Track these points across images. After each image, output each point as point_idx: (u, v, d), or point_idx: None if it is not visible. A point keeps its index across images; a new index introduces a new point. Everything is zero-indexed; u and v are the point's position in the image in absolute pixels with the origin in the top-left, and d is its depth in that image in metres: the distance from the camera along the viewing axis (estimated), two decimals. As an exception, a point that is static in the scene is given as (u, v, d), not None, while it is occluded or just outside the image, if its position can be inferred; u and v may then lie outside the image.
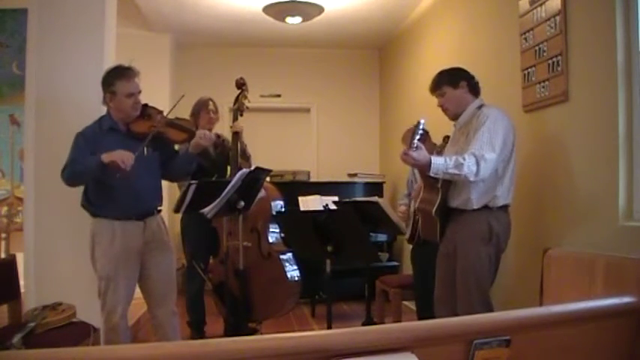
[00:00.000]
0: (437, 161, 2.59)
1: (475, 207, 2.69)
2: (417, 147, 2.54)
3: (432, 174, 2.63)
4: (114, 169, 2.60)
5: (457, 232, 2.79)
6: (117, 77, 2.78)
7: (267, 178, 3.73)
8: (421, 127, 2.54)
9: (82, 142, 2.77)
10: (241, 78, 3.90)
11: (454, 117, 2.89)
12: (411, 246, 3.88)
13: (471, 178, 2.59)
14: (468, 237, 2.72)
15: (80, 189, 2.85)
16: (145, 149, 2.80)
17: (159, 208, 2.98)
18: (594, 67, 2.61)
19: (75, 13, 3.34)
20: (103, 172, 2.65)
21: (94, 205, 2.81)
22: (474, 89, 2.85)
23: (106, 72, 2.84)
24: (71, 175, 2.71)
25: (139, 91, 2.84)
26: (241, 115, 3.86)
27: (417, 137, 2.53)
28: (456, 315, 2.63)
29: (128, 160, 2.61)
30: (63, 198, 3.21)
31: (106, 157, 2.62)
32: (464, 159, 2.57)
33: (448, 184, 2.80)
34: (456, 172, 2.58)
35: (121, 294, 2.76)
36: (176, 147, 3.23)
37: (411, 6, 5.18)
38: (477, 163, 2.57)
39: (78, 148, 2.75)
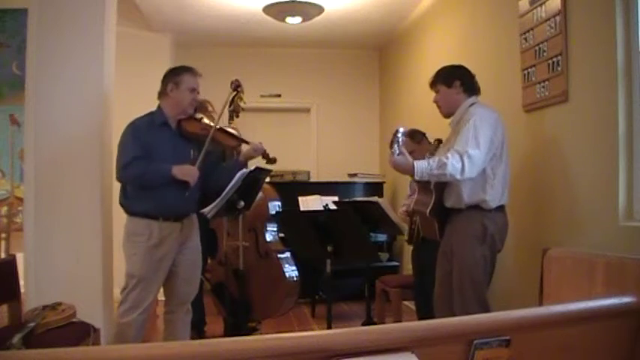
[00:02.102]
0: (420, 165, 2.61)
1: (468, 203, 2.70)
2: (399, 153, 2.59)
3: (417, 178, 2.66)
4: (180, 184, 2.70)
5: (453, 232, 2.81)
6: (185, 70, 2.89)
7: (267, 179, 3.73)
8: (399, 135, 2.59)
9: (137, 136, 2.79)
10: (236, 80, 3.88)
11: (446, 115, 2.92)
12: (411, 246, 3.88)
13: (458, 176, 2.59)
14: (462, 237, 2.73)
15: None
16: (192, 152, 2.85)
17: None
18: (594, 67, 2.61)
19: (75, 13, 3.34)
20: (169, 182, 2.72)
21: (134, 203, 2.81)
22: (470, 89, 2.84)
23: (173, 67, 2.96)
24: (135, 177, 2.76)
25: (199, 92, 2.93)
26: (237, 116, 3.85)
27: (397, 144, 2.59)
28: (454, 314, 2.64)
29: (196, 177, 2.74)
30: (63, 198, 3.22)
31: (177, 173, 2.72)
32: (447, 158, 2.57)
33: (442, 185, 2.81)
34: (441, 172, 2.59)
35: (148, 292, 2.79)
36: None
37: (411, 6, 5.18)
38: (461, 160, 2.56)
39: (135, 143, 2.77)
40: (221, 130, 2.98)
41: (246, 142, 3.09)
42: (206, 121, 2.97)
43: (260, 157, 3.21)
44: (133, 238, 2.80)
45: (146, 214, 2.77)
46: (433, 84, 2.92)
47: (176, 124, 2.90)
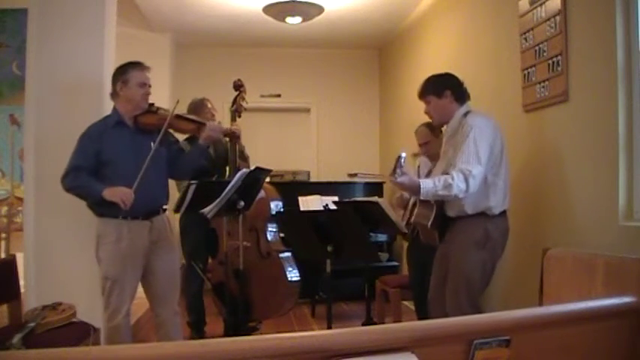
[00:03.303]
0: (426, 185, 2.61)
1: (471, 213, 2.71)
2: (401, 174, 2.60)
3: (422, 197, 2.66)
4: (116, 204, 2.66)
5: (455, 236, 2.81)
6: (131, 67, 2.85)
7: (267, 179, 3.73)
8: (402, 160, 2.60)
9: (86, 144, 2.78)
10: (239, 79, 3.90)
11: (438, 125, 2.95)
12: (407, 243, 3.88)
13: (461, 196, 2.61)
14: (463, 241, 2.73)
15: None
16: (153, 144, 2.81)
17: (164, 207, 2.99)
18: (594, 67, 2.61)
19: (75, 13, 3.34)
20: (103, 200, 2.69)
21: (100, 204, 2.78)
22: (460, 97, 2.83)
23: (119, 65, 2.90)
24: (71, 189, 2.76)
25: (150, 85, 2.90)
26: (239, 116, 3.86)
27: (399, 169, 2.59)
28: (447, 316, 2.63)
29: (128, 200, 2.66)
30: (63, 198, 3.20)
31: (108, 195, 2.66)
32: (452, 178, 2.58)
33: None
34: (446, 192, 2.60)
35: (126, 294, 2.77)
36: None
37: (411, 6, 5.18)
38: (466, 180, 2.57)
39: (82, 152, 2.76)
40: (177, 116, 2.96)
41: (205, 124, 3.07)
42: (162, 111, 2.94)
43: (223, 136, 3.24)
44: (103, 239, 2.79)
45: (114, 215, 2.75)
46: (422, 95, 2.88)
47: (133, 121, 2.88)
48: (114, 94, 2.89)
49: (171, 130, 3.01)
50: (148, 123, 2.88)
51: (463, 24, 4.25)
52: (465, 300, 2.67)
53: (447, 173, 2.65)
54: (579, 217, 2.70)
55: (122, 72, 2.85)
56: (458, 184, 2.57)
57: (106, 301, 2.77)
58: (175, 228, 4.18)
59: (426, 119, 3.71)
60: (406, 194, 3.75)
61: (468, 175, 2.57)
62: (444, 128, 2.95)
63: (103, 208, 2.78)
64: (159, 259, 2.88)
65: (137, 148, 2.82)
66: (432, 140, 3.64)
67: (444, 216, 2.84)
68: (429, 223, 2.85)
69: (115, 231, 2.76)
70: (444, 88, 2.81)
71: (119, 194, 2.65)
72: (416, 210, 3.06)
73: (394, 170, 2.59)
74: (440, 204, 2.82)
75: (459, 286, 2.69)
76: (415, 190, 2.64)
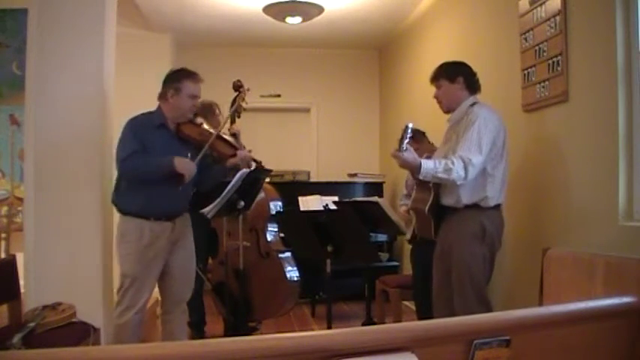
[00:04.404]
0: (426, 165, 2.62)
1: (467, 203, 2.71)
2: (406, 149, 2.59)
3: (421, 177, 2.66)
4: (176, 178, 2.69)
5: (450, 231, 2.81)
6: (186, 76, 2.86)
7: (267, 179, 3.73)
8: (409, 131, 2.59)
9: (134, 134, 2.79)
10: (238, 80, 3.88)
11: (447, 110, 2.93)
12: (410, 246, 3.88)
13: (459, 182, 2.63)
14: (461, 236, 2.73)
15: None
16: (189, 155, 2.84)
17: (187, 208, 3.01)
18: (594, 67, 2.61)
19: (75, 13, 3.34)
20: (166, 175, 2.72)
21: (126, 202, 2.83)
22: (472, 86, 2.86)
23: (174, 70, 2.92)
24: (132, 169, 2.75)
25: (199, 97, 2.92)
26: (239, 117, 3.85)
27: (406, 140, 2.58)
28: (454, 314, 2.64)
29: (192, 174, 2.73)
30: (63, 198, 3.22)
31: (179, 165, 2.71)
32: (453, 163, 2.59)
33: (440, 183, 2.82)
34: (445, 176, 2.61)
35: (143, 293, 2.80)
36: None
37: (411, 6, 5.18)
38: (465, 168, 2.59)
39: (132, 139, 2.77)
40: (219, 137, 2.97)
41: (237, 149, 3.08)
42: (205, 127, 2.96)
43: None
44: (124, 238, 2.81)
45: (137, 214, 2.78)
46: (435, 78, 2.91)
47: (175, 126, 2.90)
48: (162, 97, 2.88)
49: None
50: (189, 135, 2.91)
51: (463, 24, 4.25)
52: (472, 296, 2.67)
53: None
54: (579, 217, 2.70)
55: (176, 79, 2.85)
56: (457, 170, 2.59)
57: (121, 297, 2.80)
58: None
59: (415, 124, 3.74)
60: (406, 206, 3.76)
61: (467, 163, 2.59)
62: (447, 117, 2.94)
63: (128, 206, 2.81)
64: (177, 259, 2.91)
65: (173, 152, 2.82)
66: (419, 147, 3.64)
67: (439, 205, 2.84)
68: (427, 208, 2.86)
69: (136, 230, 2.78)
70: (458, 75, 2.84)
71: (186, 166, 2.72)
72: (413, 195, 3.06)
73: (400, 142, 2.58)
74: (437, 190, 2.83)
75: (465, 283, 2.69)
76: (416, 168, 2.64)
